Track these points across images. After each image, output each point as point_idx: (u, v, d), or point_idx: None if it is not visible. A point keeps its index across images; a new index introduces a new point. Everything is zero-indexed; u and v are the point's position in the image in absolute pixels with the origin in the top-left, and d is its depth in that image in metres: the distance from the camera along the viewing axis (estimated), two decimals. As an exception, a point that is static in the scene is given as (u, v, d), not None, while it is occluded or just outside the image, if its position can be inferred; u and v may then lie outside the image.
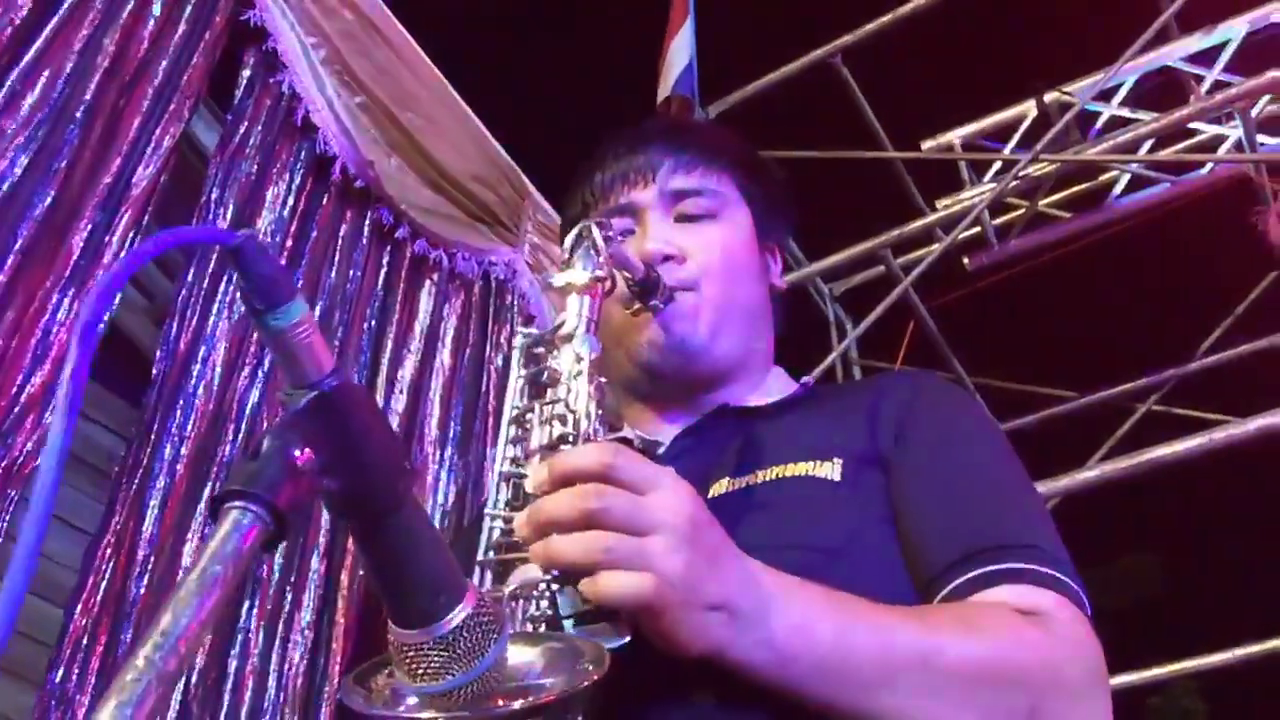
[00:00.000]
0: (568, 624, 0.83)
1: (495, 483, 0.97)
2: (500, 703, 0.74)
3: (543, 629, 0.84)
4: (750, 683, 0.88)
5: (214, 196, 2.73)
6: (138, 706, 0.52)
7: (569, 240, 1.10)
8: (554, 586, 0.83)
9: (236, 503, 0.62)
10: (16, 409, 2.08)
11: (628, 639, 0.83)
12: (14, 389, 2.09)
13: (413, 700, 0.74)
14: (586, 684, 0.75)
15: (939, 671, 0.89)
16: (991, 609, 0.95)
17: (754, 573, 0.89)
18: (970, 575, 0.97)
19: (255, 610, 2.57)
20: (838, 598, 0.91)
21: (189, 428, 2.51)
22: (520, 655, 0.78)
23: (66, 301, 2.22)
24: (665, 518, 0.83)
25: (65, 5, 2.38)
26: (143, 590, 2.29)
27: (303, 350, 0.67)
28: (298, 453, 0.66)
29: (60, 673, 2.14)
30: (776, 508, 0.94)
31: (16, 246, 2.15)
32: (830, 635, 0.88)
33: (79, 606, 2.20)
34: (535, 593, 0.85)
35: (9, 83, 2.24)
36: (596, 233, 1.08)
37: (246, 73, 2.92)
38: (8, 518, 2.02)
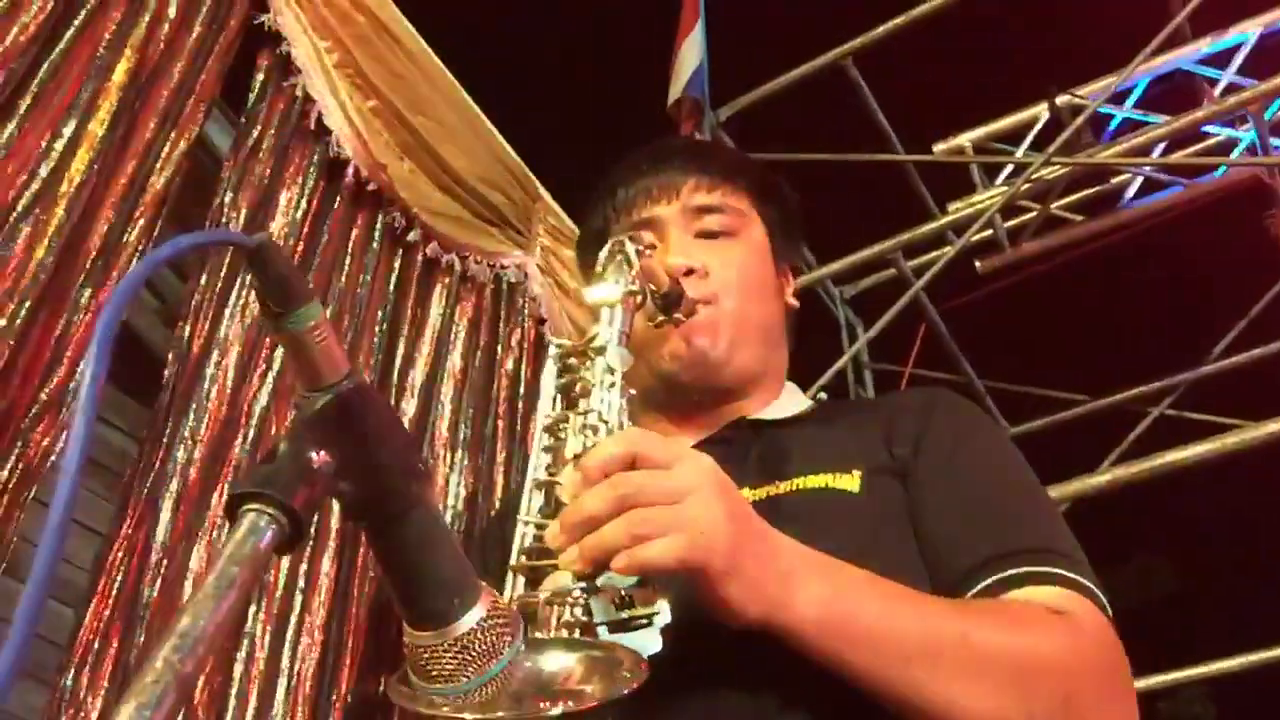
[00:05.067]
0: (602, 630, 0.84)
1: (529, 490, 0.98)
2: (540, 706, 0.75)
3: (577, 635, 0.85)
4: (786, 671, 0.89)
5: (227, 200, 2.74)
6: (156, 708, 0.52)
7: (602, 255, 1.12)
8: (587, 592, 0.84)
9: (253, 505, 0.63)
10: (35, 407, 2.10)
11: (661, 645, 0.83)
12: (33, 388, 2.11)
13: (450, 701, 0.74)
14: (625, 691, 0.76)
15: (980, 652, 0.90)
16: (1022, 604, 0.96)
17: (788, 540, 0.91)
18: (996, 578, 0.98)
19: (262, 614, 2.57)
20: (875, 576, 0.92)
21: (201, 431, 2.52)
22: (558, 661, 0.79)
23: (84, 300, 2.24)
24: (694, 481, 0.86)
25: (89, 6, 2.40)
26: (155, 594, 2.29)
27: (318, 353, 0.67)
28: (313, 455, 0.66)
29: (72, 674, 2.15)
30: (797, 518, 0.95)
31: (54, 246, 2.17)
32: (875, 604, 0.90)
33: (91, 609, 2.21)
34: (569, 599, 0.86)
35: (35, 81, 2.26)
36: (630, 247, 1.10)
37: (260, 76, 2.93)
38: (21, 515, 2.03)
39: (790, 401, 1.31)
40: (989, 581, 0.98)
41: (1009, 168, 4.94)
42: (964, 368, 5.15)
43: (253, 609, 2.56)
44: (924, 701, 0.88)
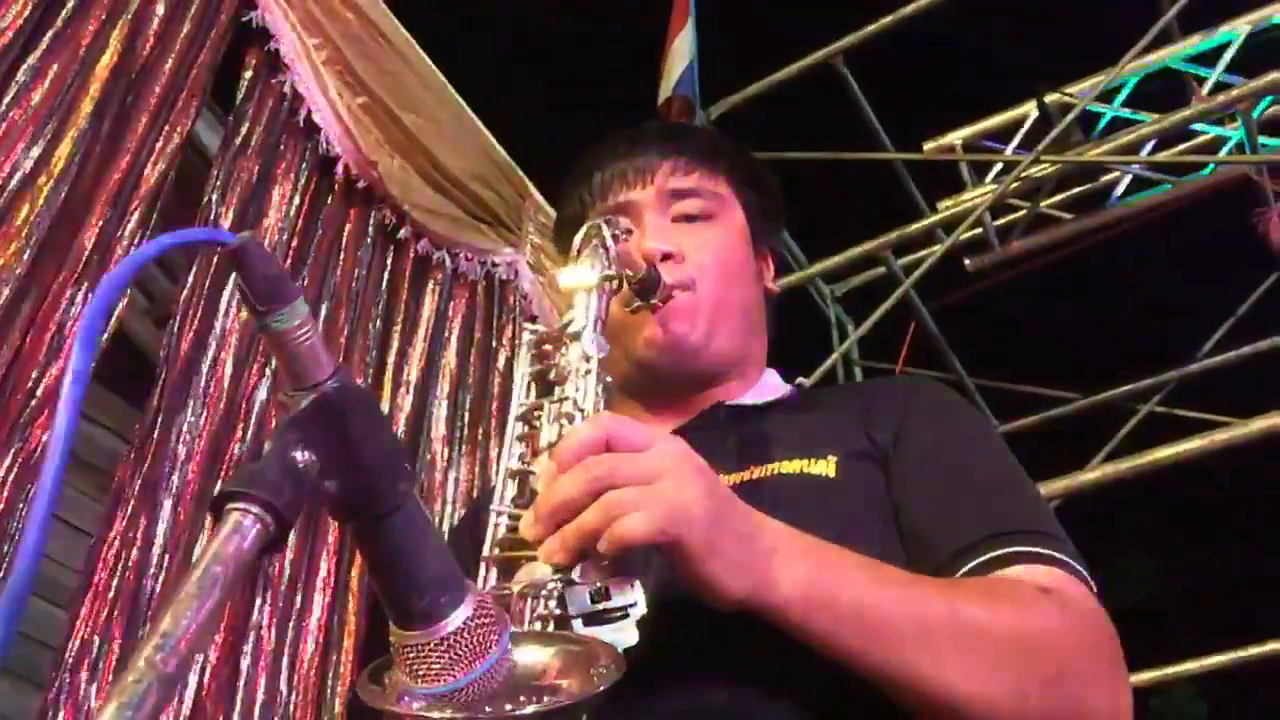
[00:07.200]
0: (577, 623, 0.83)
1: (502, 479, 0.96)
2: (516, 703, 0.74)
3: (551, 628, 0.83)
4: (767, 662, 0.88)
5: (216, 198, 2.73)
6: (138, 708, 0.52)
7: (577, 239, 1.11)
8: (562, 584, 0.83)
9: (238, 504, 0.62)
10: (32, 403, 2.10)
11: (637, 638, 0.82)
12: (29, 384, 2.11)
13: (425, 699, 0.73)
14: (602, 687, 0.75)
15: (970, 629, 0.89)
16: (1011, 581, 0.96)
17: (771, 520, 0.90)
18: (982, 558, 0.98)
19: (268, 608, 2.57)
20: (861, 556, 0.91)
21: (200, 426, 2.52)
22: (534, 656, 0.77)
23: (80, 297, 2.23)
24: (670, 461, 0.84)
25: (72, 1, 2.39)
26: (158, 589, 2.29)
27: (303, 352, 0.67)
28: (298, 454, 0.66)
29: (69, 671, 2.14)
30: (773, 504, 0.94)
31: (30, 242, 2.16)
32: (861, 583, 0.88)
33: (86, 605, 2.20)
34: (544, 591, 0.84)
35: (18, 78, 2.25)
36: (606, 232, 1.09)
37: (248, 74, 2.92)
38: (25, 510, 2.03)
39: (769, 387, 1.30)
40: (976, 563, 0.97)
41: (998, 166, 4.95)
42: (954, 365, 5.17)
43: (259, 602, 2.56)
44: (914, 680, 0.87)
